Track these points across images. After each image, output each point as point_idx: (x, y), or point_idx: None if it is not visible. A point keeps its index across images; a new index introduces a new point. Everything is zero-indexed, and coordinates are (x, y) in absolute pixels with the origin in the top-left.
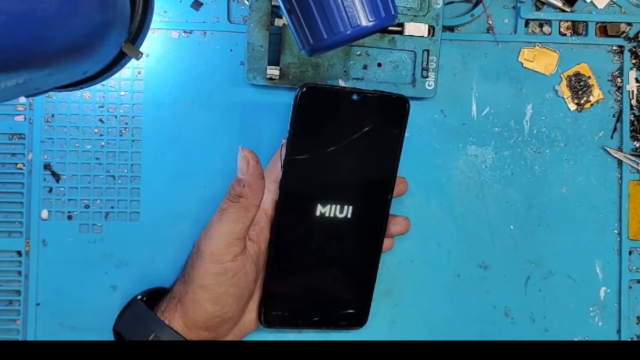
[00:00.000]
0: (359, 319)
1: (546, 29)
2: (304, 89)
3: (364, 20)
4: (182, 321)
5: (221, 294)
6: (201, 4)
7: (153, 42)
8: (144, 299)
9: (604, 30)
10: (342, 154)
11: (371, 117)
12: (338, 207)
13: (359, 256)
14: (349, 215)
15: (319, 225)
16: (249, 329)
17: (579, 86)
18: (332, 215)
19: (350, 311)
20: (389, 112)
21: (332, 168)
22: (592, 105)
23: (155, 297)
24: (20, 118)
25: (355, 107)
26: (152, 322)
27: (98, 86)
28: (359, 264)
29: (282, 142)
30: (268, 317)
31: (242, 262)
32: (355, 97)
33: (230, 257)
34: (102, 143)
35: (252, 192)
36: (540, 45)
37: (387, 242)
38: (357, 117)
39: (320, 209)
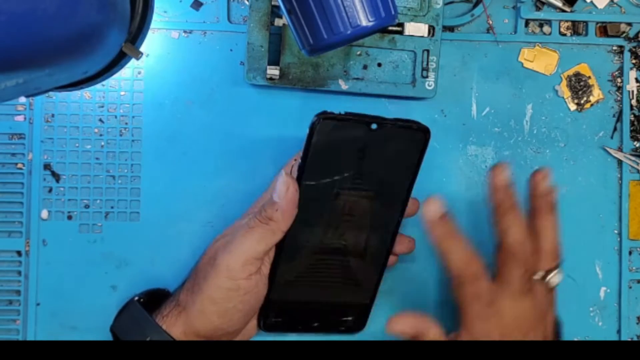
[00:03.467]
0: (358, 325)
1: (546, 29)
2: (321, 120)
3: (364, 20)
4: (182, 329)
5: (229, 308)
6: (201, 4)
7: (153, 42)
8: (142, 300)
9: (604, 30)
10: (356, 180)
11: (389, 146)
12: (347, 229)
13: (362, 272)
14: (357, 236)
15: (325, 243)
16: (250, 334)
17: (579, 86)
18: (340, 236)
19: (350, 318)
20: (409, 142)
21: (343, 194)
22: (592, 105)
23: (153, 298)
24: (20, 118)
25: (373, 137)
26: (148, 325)
27: (98, 86)
28: (361, 279)
29: (290, 161)
30: (267, 323)
31: (256, 282)
32: (374, 126)
33: (245, 275)
34: (102, 143)
35: (284, 218)
36: (540, 45)
37: (391, 259)
38: (374, 146)
39: (329, 230)
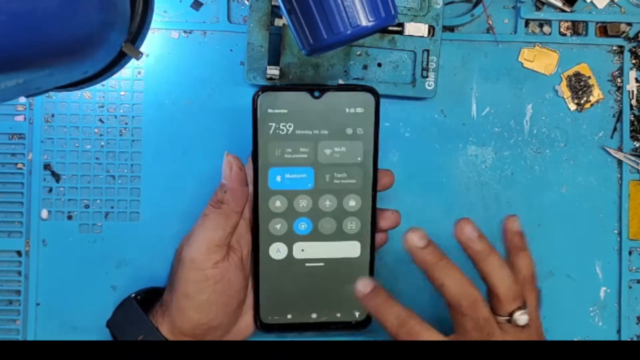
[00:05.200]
0: (363, 322)
1: (546, 29)
2: (260, 94)
3: (364, 20)
4: (168, 328)
5: (204, 301)
6: (201, 4)
7: (153, 42)
8: (139, 297)
9: (604, 30)
10: (314, 154)
11: (339, 113)
12: (319, 208)
13: (350, 254)
14: (333, 214)
15: (301, 227)
16: (246, 333)
17: (579, 86)
18: (314, 216)
19: (351, 310)
20: (359, 106)
21: (306, 170)
22: (592, 105)
23: (151, 296)
24: (20, 118)
25: (320, 105)
26: (141, 323)
27: (98, 86)
28: (352, 262)
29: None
30: (264, 322)
31: (224, 269)
32: (317, 94)
33: (210, 264)
34: (102, 143)
35: (234, 198)
36: (540, 45)
37: (380, 237)
38: (323, 114)
39: (300, 211)
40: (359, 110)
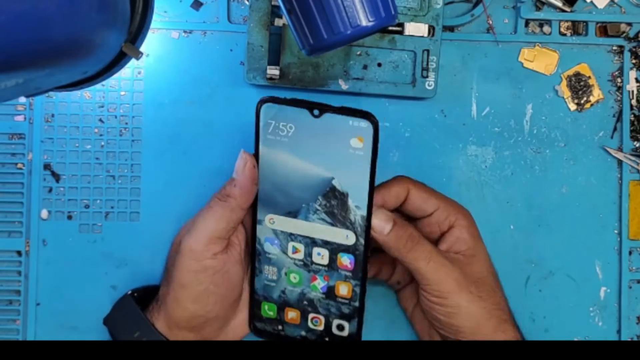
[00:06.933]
0: (353, 336)
1: (546, 29)
2: (263, 103)
3: (364, 20)
4: (165, 322)
5: (201, 292)
6: (201, 4)
7: (153, 42)
8: (136, 294)
9: (604, 30)
10: (312, 168)
11: (336, 134)
12: (316, 221)
13: (344, 267)
14: (329, 229)
15: (297, 239)
16: (243, 331)
17: (579, 86)
18: (309, 231)
19: (342, 323)
20: (356, 130)
21: (303, 184)
22: (592, 105)
23: (148, 293)
24: (20, 118)
25: (317, 123)
26: (137, 319)
27: (98, 86)
28: (346, 274)
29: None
30: (257, 328)
31: (223, 261)
32: (316, 112)
33: (210, 255)
34: (102, 143)
35: (242, 194)
36: (540, 45)
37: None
38: (320, 133)
39: (298, 224)
40: (358, 134)
